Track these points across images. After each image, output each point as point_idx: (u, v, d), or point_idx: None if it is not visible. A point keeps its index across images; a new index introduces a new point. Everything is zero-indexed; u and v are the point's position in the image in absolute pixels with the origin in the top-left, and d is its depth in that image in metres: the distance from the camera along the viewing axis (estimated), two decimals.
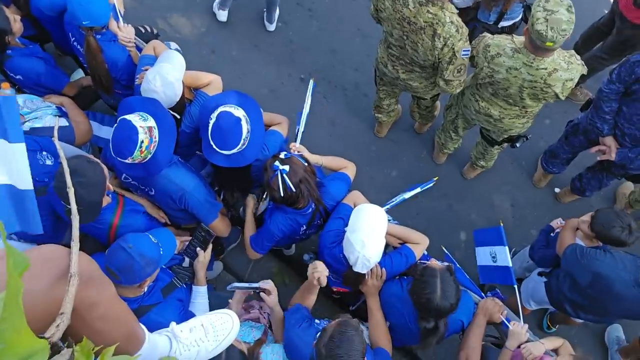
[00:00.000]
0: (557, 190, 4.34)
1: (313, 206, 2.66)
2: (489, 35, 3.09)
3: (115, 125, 2.45)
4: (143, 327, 1.43)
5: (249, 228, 2.88)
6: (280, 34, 4.80)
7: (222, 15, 4.71)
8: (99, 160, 2.38)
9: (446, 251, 3.17)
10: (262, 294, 2.48)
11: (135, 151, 2.39)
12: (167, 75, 2.60)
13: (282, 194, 2.47)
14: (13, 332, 0.74)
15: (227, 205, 3.09)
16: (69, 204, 1.22)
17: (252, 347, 2.32)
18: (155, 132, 2.47)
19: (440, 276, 2.37)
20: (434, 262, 2.56)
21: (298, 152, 2.78)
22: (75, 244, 1.18)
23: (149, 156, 2.47)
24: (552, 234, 3.29)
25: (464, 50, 3.01)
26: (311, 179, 2.58)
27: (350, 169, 2.92)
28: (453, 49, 2.97)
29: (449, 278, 2.39)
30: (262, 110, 2.87)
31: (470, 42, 3.19)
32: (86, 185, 2.22)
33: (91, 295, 1.16)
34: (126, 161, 2.43)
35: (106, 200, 2.46)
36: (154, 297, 2.40)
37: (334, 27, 4.84)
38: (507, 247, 2.84)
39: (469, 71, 3.24)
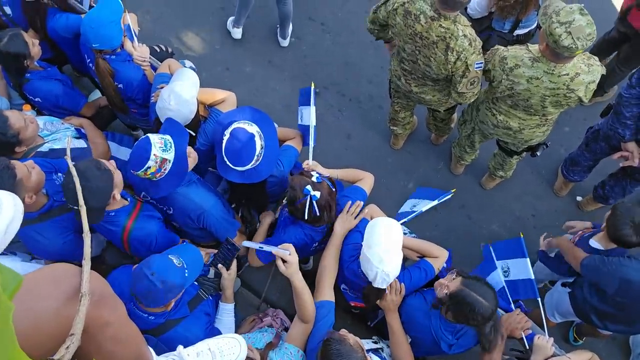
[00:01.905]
0: (579, 198, 4.24)
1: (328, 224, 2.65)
2: (501, 47, 3.04)
3: (141, 138, 2.48)
4: (151, 349, 1.41)
5: (259, 237, 2.85)
6: (294, 49, 4.82)
7: (237, 33, 4.76)
8: (110, 168, 2.38)
9: (486, 248, 3.05)
10: (277, 262, 2.36)
11: (140, 172, 2.41)
12: (181, 93, 2.62)
13: (306, 217, 2.47)
14: (5, 357, 0.72)
15: (245, 222, 3.08)
16: (75, 204, 1.21)
17: (262, 351, 2.28)
18: (167, 166, 2.47)
19: (469, 287, 2.33)
20: (446, 282, 2.46)
21: (312, 169, 2.77)
22: (87, 262, 1.18)
23: (154, 179, 2.49)
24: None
25: (477, 63, 2.98)
26: (333, 203, 2.58)
27: (366, 181, 2.89)
28: (466, 62, 2.94)
29: (475, 283, 2.35)
30: (276, 126, 2.86)
31: (486, 50, 3.15)
32: (89, 189, 2.21)
33: (102, 316, 1.15)
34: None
35: (122, 202, 2.49)
36: (180, 310, 2.38)
37: (347, 40, 4.85)
38: (528, 259, 2.77)
39: (483, 84, 3.19)
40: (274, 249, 2.36)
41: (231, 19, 4.78)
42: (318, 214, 2.46)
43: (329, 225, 2.66)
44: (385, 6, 3.14)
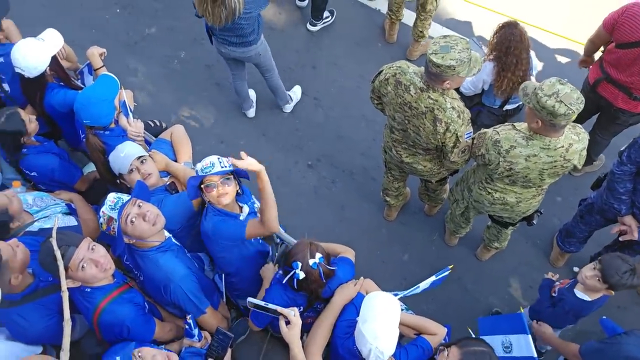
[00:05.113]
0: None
1: None
2: (489, 131, 3.06)
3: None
4: None
5: (262, 293, 2.76)
6: (287, 123, 4.92)
7: (250, 113, 4.93)
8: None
9: (471, 332, 2.99)
10: (280, 322, 2.29)
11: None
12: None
13: (283, 281, 2.46)
14: None
15: (231, 308, 3.06)
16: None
17: None
18: (114, 225, 2.50)
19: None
20: None
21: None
22: (65, 353, 1.12)
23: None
24: (554, 294, 3.15)
25: (467, 134, 3.05)
26: (318, 289, 2.54)
27: (349, 253, 2.89)
28: (456, 134, 3.00)
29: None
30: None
31: (475, 124, 3.21)
32: None
33: None
34: None
35: (107, 280, 2.40)
36: None
37: (340, 114, 4.96)
38: (530, 336, 2.68)
39: (470, 164, 3.29)
40: (279, 308, 2.32)
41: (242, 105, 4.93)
42: (296, 288, 2.45)
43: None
44: (379, 76, 3.24)
